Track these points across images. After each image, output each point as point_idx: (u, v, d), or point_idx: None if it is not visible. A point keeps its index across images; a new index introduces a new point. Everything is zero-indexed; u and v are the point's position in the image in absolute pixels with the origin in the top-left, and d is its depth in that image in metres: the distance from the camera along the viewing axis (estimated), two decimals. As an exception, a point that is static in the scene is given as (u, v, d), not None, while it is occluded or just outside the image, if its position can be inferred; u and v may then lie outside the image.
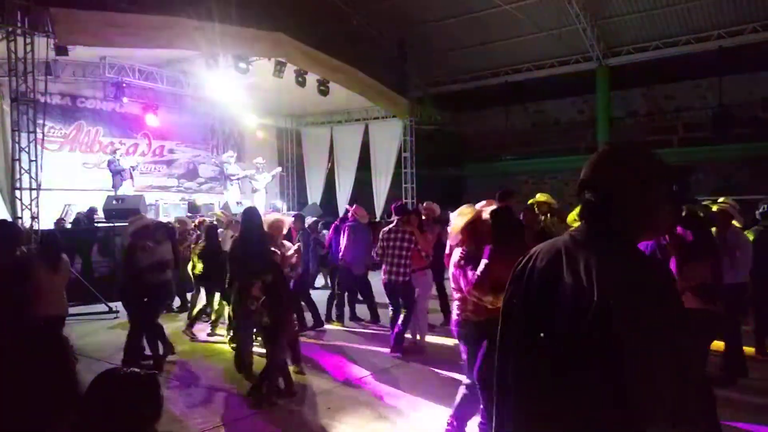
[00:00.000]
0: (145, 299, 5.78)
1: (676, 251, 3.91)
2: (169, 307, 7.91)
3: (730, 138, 14.54)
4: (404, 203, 7.06)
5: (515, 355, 1.49)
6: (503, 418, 1.51)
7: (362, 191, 16.03)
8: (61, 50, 9.06)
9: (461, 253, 3.99)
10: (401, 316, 6.40)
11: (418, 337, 6.71)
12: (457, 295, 4.01)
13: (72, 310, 8.60)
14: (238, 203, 13.27)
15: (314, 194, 16.54)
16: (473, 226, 3.97)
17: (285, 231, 6.41)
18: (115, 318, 8.51)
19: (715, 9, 14.08)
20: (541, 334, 1.42)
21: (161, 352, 5.99)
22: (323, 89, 12.71)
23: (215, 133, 15.86)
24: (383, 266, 6.50)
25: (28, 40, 8.77)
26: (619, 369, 1.23)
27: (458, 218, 4.10)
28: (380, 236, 6.55)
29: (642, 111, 17.30)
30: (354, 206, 8.43)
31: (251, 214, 5.75)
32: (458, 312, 3.98)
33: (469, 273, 3.77)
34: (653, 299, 1.28)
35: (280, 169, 15.87)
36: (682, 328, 1.30)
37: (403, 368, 6.00)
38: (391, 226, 6.58)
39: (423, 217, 7.21)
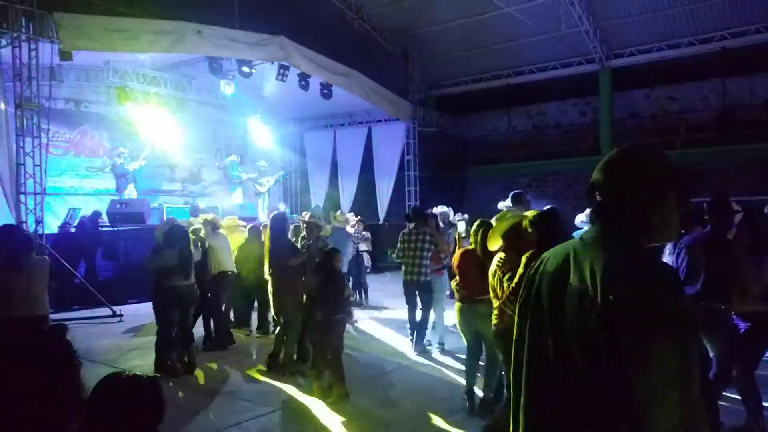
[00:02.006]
0: (157, 304, 5.93)
1: (749, 252, 3.82)
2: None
3: (734, 139, 14.48)
4: (419, 206, 7.31)
5: (527, 356, 1.51)
6: (517, 418, 1.53)
7: (365, 194, 16.04)
8: (65, 55, 9.09)
9: (499, 260, 3.78)
10: (420, 314, 6.70)
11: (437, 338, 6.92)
12: (495, 304, 3.81)
13: (76, 313, 8.72)
14: (241, 206, 13.32)
15: (317, 197, 16.56)
16: (516, 231, 3.71)
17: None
18: (119, 322, 8.55)
19: (718, 10, 14.05)
20: (547, 338, 1.43)
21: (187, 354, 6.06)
22: (326, 93, 12.75)
23: (218, 136, 15.92)
24: (403, 267, 6.78)
25: (33, 46, 8.83)
26: (622, 372, 1.23)
27: (500, 223, 3.86)
28: (399, 238, 6.88)
29: (645, 113, 17.25)
30: (337, 212, 8.75)
31: (279, 219, 6.15)
32: (497, 322, 3.80)
33: (505, 283, 3.56)
34: (658, 303, 1.27)
35: (283, 172, 15.91)
36: (687, 333, 1.29)
37: (419, 367, 6.09)
38: (410, 227, 6.85)
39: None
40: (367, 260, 10.26)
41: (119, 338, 7.54)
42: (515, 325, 1.60)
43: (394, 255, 7.07)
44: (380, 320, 8.64)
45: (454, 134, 19.12)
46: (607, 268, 1.32)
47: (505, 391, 3.95)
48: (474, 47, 17.05)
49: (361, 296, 9.93)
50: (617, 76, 16.23)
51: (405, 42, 17.51)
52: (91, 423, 1.64)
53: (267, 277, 6.18)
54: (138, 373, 1.78)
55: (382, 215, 15.72)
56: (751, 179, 14.49)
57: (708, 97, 16.15)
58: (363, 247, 10.13)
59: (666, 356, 1.23)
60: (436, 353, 6.66)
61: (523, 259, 3.40)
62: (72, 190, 12.40)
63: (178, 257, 5.81)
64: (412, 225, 6.85)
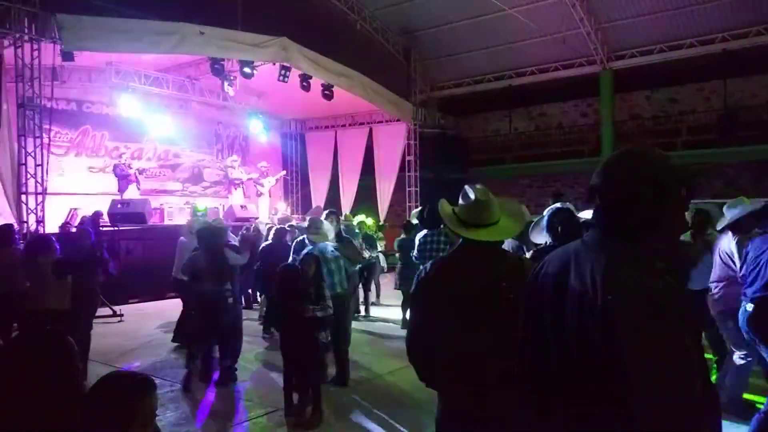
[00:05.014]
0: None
1: None
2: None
3: (735, 141, 14.48)
4: (433, 208, 7.41)
5: (531, 356, 1.52)
6: (522, 418, 1.55)
7: (366, 195, 16.05)
8: (67, 56, 9.13)
9: None
10: None
11: None
12: None
13: (77, 313, 8.70)
14: (242, 207, 13.33)
15: (318, 198, 16.58)
16: None
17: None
18: (119, 321, 8.55)
19: (720, 12, 14.04)
20: (549, 339, 1.43)
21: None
22: (327, 94, 12.76)
23: (220, 137, 15.93)
24: (420, 268, 6.76)
25: (35, 46, 8.87)
26: (620, 372, 1.24)
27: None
28: (418, 240, 7.00)
29: (646, 114, 17.26)
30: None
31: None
32: None
33: None
34: (657, 306, 1.27)
35: (284, 172, 15.94)
36: (686, 334, 1.29)
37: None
38: (427, 230, 6.97)
39: None
40: (382, 260, 10.61)
41: (120, 338, 7.55)
42: (522, 326, 1.60)
43: (414, 256, 7.16)
44: (385, 319, 8.72)
45: (455, 135, 19.13)
46: (607, 269, 1.32)
47: None
48: (475, 48, 17.06)
49: (367, 298, 9.96)
50: (618, 77, 16.21)
51: (407, 43, 17.53)
52: (86, 419, 1.66)
53: None
54: (132, 372, 1.81)
55: (382, 216, 15.72)
56: (752, 180, 14.49)
57: (709, 98, 16.15)
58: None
59: (664, 357, 1.23)
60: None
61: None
62: (73, 191, 12.40)
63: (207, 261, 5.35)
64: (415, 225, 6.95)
